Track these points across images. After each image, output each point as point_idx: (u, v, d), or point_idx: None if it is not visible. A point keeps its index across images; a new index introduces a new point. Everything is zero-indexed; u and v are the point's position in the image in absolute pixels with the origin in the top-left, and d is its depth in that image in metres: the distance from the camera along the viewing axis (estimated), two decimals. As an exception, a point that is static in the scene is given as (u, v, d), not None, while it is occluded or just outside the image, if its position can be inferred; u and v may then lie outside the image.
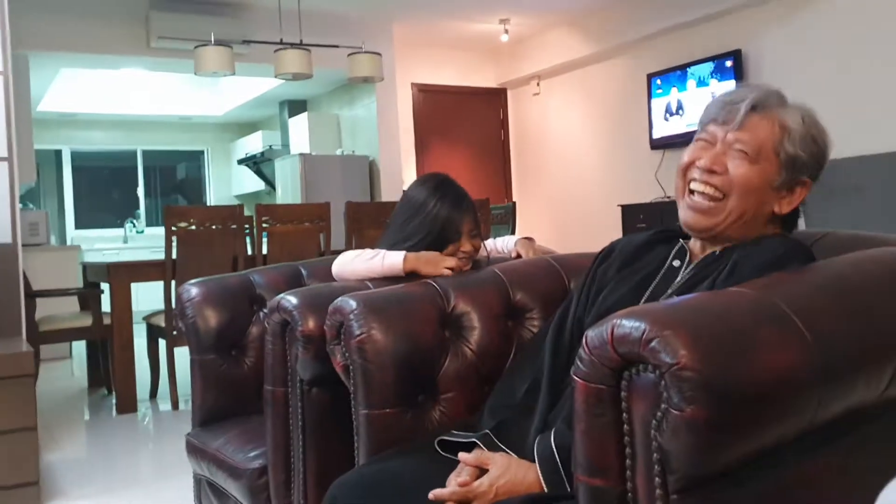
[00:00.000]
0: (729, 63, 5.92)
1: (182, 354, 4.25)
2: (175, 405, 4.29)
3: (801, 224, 4.67)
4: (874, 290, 1.08)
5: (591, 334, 0.94)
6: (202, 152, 10.28)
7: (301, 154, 7.29)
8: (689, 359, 0.85)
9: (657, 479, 0.89)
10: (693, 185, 1.28)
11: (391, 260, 1.89)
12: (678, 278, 1.32)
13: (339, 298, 1.51)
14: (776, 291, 1.00)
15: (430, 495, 1.22)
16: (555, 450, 1.20)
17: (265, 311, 2.02)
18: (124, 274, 4.25)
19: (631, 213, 6.33)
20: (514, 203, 6.27)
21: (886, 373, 1.01)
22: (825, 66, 5.32)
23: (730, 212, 1.25)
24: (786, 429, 0.92)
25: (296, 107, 8.55)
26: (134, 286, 4.29)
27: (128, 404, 4.26)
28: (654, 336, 0.88)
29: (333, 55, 6.22)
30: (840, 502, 1.02)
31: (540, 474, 1.20)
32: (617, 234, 6.43)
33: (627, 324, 0.91)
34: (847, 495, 1.02)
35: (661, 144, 6.47)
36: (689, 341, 0.87)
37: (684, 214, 1.31)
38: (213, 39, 5.35)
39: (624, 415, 0.92)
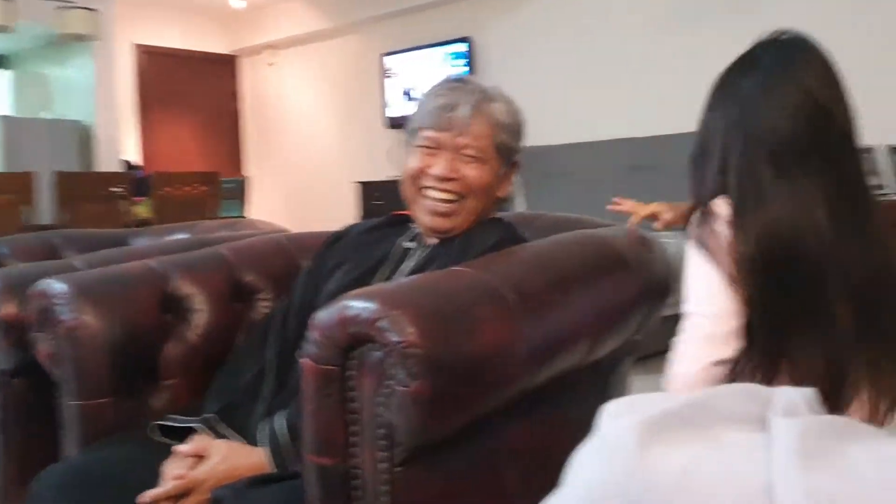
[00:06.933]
0: (461, 48, 6.18)
1: None
2: None
3: (523, 205, 4.96)
4: (576, 269, 1.19)
5: (321, 315, 0.94)
6: None
7: (1, 116, 6.46)
8: (416, 336, 0.88)
9: (383, 452, 0.92)
10: (430, 193, 1.33)
11: None
12: (411, 260, 1.37)
13: (42, 280, 1.36)
14: (492, 270, 1.07)
15: (140, 499, 1.14)
16: (280, 431, 1.18)
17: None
18: None
19: (367, 191, 6.41)
20: (246, 178, 6.10)
21: (585, 343, 1.13)
22: (548, 58, 5.75)
23: (469, 211, 1.33)
24: (500, 397, 0.99)
25: (-6, 61, 7.55)
26: None
27: None
28: (382, 315, 0.89)
29: (41, 7, 5.57)
30: (543, 459, 1.12)
31: (267, 455, 1.18)
32: (353, 211, 6.50)
33: (357, 304, 0.92)
34: (549, 451, 1.12)
35: (398, 124, 6.60)
36: (416, 319, 0.90)
37: (425, 219, 1.35)
38: None
39: (351, 393, 0.93)
